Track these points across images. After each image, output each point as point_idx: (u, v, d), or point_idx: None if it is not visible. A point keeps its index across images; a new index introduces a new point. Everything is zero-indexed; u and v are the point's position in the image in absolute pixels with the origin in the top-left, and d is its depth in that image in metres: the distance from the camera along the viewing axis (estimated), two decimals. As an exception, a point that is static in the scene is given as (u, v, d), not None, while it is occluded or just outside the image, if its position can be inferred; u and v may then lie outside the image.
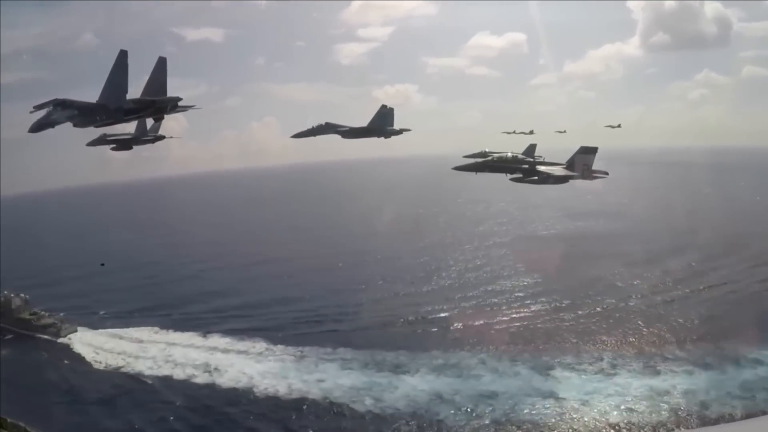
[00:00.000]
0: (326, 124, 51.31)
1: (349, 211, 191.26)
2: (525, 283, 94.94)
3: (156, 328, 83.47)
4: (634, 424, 52.00)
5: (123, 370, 71.09)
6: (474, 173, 41.96)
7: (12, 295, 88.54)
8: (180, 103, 33.59)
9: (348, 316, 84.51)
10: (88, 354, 76.54)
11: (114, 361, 73.62)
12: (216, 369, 68.63)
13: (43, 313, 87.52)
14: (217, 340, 77.18)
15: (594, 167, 41.65)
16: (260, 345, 74.65)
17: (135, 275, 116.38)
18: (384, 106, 50.93)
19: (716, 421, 50.66)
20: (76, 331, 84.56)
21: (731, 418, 50.54)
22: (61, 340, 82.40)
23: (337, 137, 51.49)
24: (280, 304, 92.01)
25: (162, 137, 44.12)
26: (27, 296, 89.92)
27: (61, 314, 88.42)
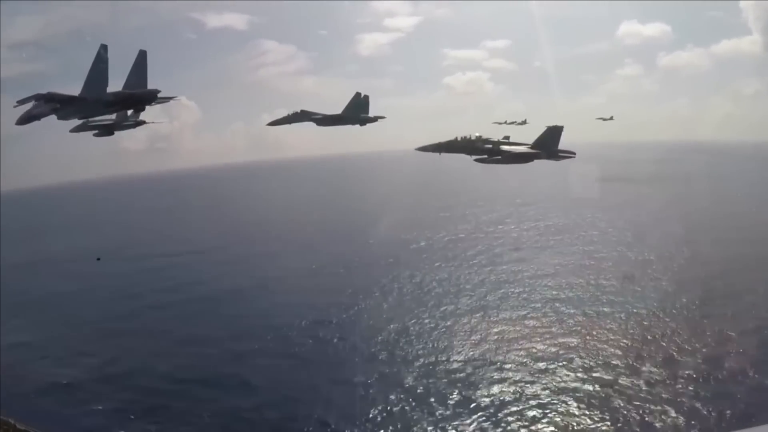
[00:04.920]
0: (302, 111, 52.09)
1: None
2: None
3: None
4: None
5: None
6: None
7: None
8: (160, 95, 34.92)
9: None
10: None
11: None
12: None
13: None
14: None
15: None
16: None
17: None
18: (358, 94, 51.34)
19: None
20: None
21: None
22: None
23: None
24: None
25: (143, 122, 45.85)
26: None
27: None
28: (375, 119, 52.54)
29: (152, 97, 34.28)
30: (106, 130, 45.33)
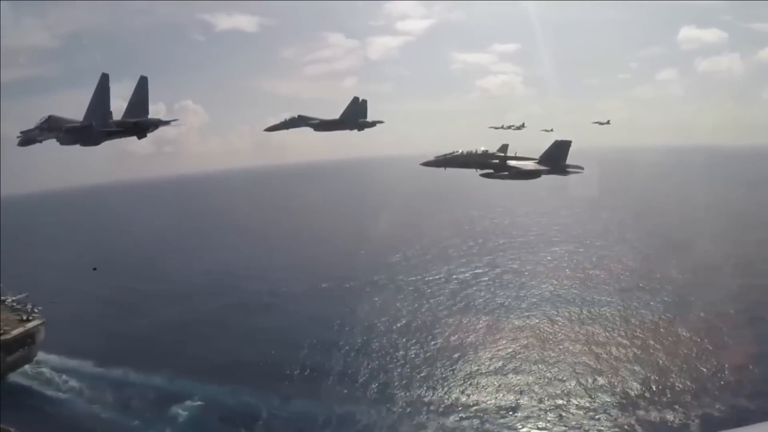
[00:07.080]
0: (299, 116, 50.57)
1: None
2: None
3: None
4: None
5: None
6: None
7: None
8: (161, 120, 35.43)
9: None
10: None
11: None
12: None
13: None
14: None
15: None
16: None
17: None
18: (356, 99, 49.74)
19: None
20: None
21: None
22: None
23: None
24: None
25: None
26: None
27: None
28: (373, 124, 51.06)
29: (155, 125, 34.40)
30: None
